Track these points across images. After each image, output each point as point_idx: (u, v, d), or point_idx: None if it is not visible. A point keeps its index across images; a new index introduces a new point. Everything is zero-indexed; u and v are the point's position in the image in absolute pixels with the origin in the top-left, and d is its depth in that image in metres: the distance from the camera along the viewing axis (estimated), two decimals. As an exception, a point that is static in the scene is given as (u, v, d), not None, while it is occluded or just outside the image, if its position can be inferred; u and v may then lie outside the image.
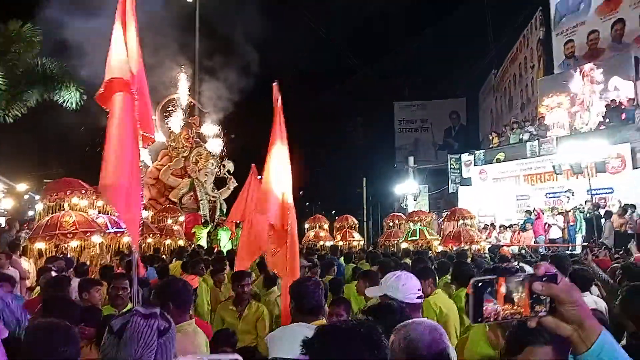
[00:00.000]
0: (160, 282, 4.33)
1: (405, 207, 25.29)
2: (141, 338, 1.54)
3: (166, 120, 20.11)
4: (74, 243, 9.55)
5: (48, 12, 15.35)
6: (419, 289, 3.10)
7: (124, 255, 9.66)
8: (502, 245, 15.62)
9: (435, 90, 36.82)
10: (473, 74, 34.23)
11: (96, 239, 9.84)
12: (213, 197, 20.23)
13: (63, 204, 10.12)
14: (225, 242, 17.27)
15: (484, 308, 1.11)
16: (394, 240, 17.48)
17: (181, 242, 16.08)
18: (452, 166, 25.10)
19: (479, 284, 1.13)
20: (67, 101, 13.10)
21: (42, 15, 14.34)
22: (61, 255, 7.84)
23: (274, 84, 4.71)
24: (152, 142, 4.36)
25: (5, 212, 18.63)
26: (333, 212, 30.68)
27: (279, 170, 4.58)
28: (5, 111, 12.82)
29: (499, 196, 20.89)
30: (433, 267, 6.40)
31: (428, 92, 37.40)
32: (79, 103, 13.25)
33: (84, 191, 10.37)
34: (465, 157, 24.30)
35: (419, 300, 3.08)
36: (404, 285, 3.03)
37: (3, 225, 14.76)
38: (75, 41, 15.68)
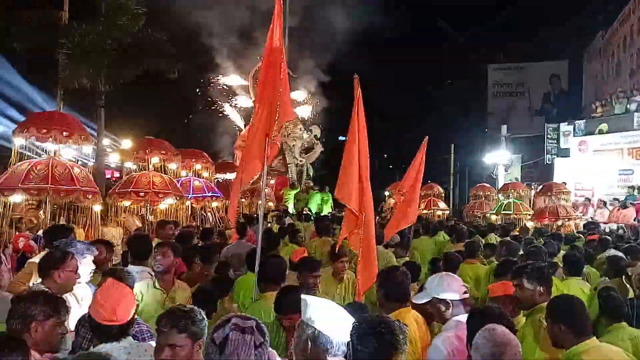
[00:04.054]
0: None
1: (495, 177, 24.51)
2: (240, 353, 1.85)
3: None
4: (162, 206, 9.80)
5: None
6: (462, 285, 3.18)
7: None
8: (599, 222, 14.81)
9: (534, 51, 34.44)
10: (578, 34, 31.60)
11: (170, 201, 9.82)
12: (300, 161, 20.78)
13: (147, 165, 10.15)
14: (314, 206, 17.74)
15: None
16: (479, 212, 17.14)
17: (271, 204, 16.86)
18: (549, 136, 23.85)
19: None
20: (169, 71, 14.05)
21: None
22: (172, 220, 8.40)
23: (355, 77, 4.61)
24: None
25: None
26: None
27: (357, 159, 4.62)
28: (114, 78, 13.94)
29: (599, 170, 19.66)
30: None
31: (526, 54, 35.06)
32: (178, 73, 14.21)
33: (163, 152, 10.29)
34: (564, 126, 22.99)
35: (467, 295, 3.15)
36: (449, 285, 3.11)
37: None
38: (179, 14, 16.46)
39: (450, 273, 3.38)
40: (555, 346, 2.84)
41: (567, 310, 2.80)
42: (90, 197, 7.83)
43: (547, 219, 13.79)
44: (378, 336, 2.06)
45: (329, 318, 2.20)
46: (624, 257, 6.07)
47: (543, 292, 3.33)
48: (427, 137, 7.60)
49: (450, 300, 3.01)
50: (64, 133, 7.66)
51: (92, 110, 14.02)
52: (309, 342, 2.14)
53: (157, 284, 4.07)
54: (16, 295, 2.77)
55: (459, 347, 2.68)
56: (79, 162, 8.80)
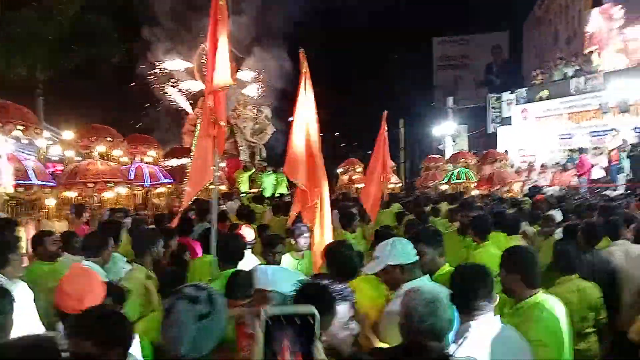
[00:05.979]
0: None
1: (442, 149, 25.09)
2: (181, 322, 1.74)
3: (204, 68, 20.22)
4: (109, 194, 9.36)
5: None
6: (413, 247, 3.00)
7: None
8: (543, 187, 15.46)
9: (476, 24, 35.13)
10: (517, 5, 32.42)
11: (121, 190, 9.46)
12: (252, 142, 20.60)
13: (92, 152, 9.71)
14: (269, 187, 17.67)
15: None
16: (431, 183, 17.55)
17: (223, 187, 16.65)
18: (492, 105, 24.53)
19: None
20: (111, 56, 13.55)
21: None
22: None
23: (300, 51, 4.62)
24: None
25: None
26: (369, 152, 30.62)
27: (305, 135, 4.64)
28: (52, 66, 13.32)
29: (541, 136, 20.47)
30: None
31: (468, 26, 35.74)
32: (120, 58, 13.73)
33: (110, 139, 9.93)
34: (506, 95, 23.65)
35: (417, 258, 2.98)
36: (402, 249, 2.93)
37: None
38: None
39: (400, 238, 3.18)
40: (507, 294, 2.87)
41: (523, 260, 2.84)
42: (47, 191, 7.54)
43: (484, 186, 14.46)
44: (307, 299, 2.07)
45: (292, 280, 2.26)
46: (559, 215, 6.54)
47: (442, 253, 3.32)
48: (385, 112, 7.71)
49: (405, 264, 2.88)
50: (19, 127, 7.25)
51: (29, 101, 13.35)
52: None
53: (152, 274, 3.95)
54: None
55: None
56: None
